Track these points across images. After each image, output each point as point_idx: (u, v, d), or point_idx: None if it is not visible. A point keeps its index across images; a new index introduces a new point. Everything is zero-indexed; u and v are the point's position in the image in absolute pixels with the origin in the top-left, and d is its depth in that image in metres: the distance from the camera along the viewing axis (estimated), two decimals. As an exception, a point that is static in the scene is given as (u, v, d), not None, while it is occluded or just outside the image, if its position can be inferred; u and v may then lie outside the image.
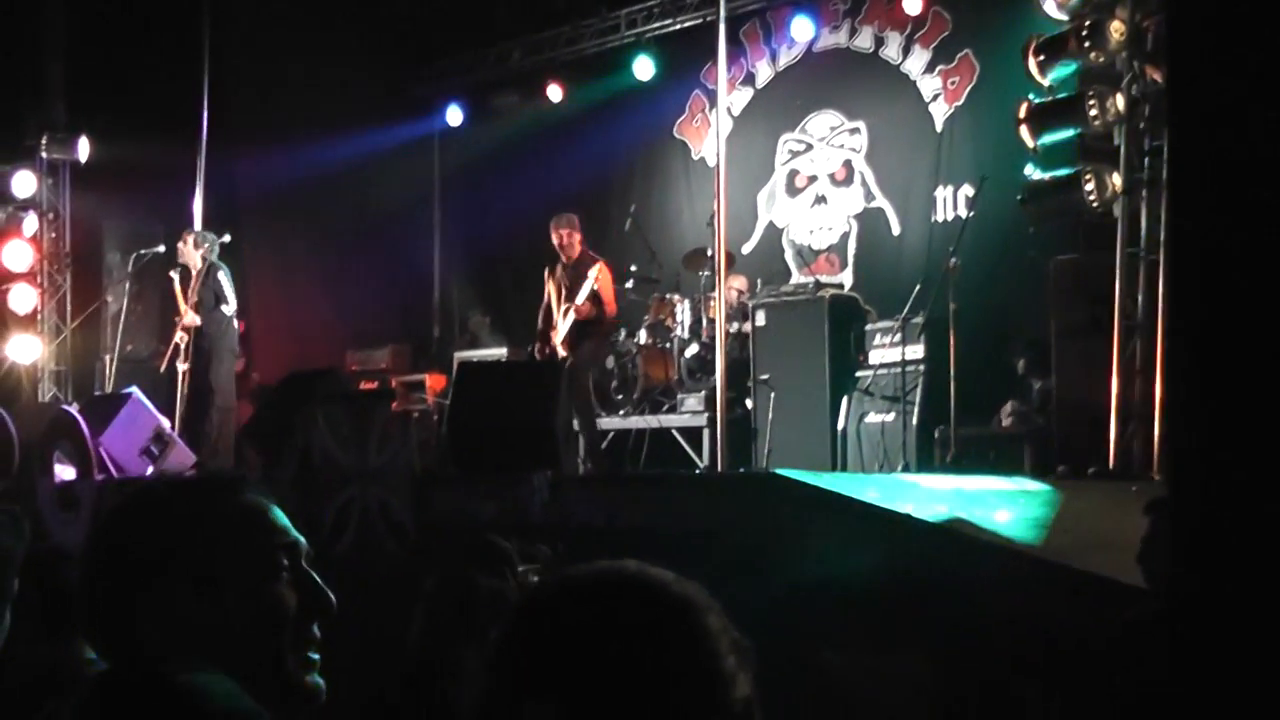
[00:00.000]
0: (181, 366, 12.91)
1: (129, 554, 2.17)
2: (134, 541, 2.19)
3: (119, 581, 2.16)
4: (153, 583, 2.14)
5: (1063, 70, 10.04)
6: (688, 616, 1.67)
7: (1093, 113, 9.62)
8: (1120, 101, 9.60)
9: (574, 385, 11.79)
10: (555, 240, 12.60)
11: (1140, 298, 9.38)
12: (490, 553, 2.71)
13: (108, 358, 14.73)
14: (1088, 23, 9.66)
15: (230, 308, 13.13)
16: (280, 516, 2.28)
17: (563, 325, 12.43)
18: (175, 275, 13.22)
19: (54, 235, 15.60)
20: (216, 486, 2.34)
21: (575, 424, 11.97)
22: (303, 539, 2.28)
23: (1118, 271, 9.34)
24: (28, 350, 15.15)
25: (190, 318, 12.88)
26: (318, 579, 2.25)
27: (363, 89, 17.37)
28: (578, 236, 12.49)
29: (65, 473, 10.57)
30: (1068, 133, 9.98)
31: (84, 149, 15.30)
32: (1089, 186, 9.63)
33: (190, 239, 13.16)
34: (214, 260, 13.14)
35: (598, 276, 12.35)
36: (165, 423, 11.86)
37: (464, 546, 2.73)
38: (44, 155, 15.38)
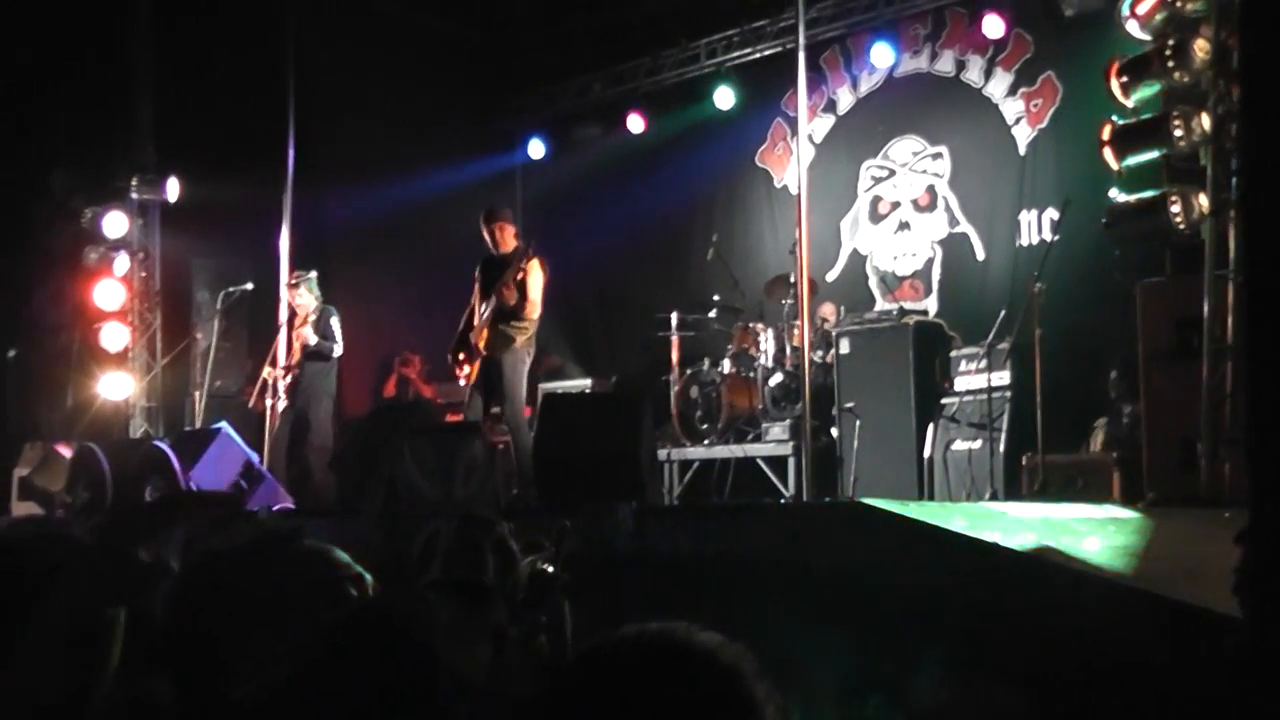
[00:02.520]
0: (271, 403, 13.04)
1: (205, 615, 2.35)
2: (209, 602, 2.36)
3: (203, 636, 2.33)
4: (233, 629, 2.29)
5: (1146, 91, 9.92)
6: (734, 685, 1.67)
7: (1178, 133, 9.50)
8: (1206, 121, 9.47)
9: (506, 388, 11.56)
10: (488, 235, 11.96)
11: (1230, 320, 9.24)
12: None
13: (197, 394, 14.88)
14: (1171, 42, 9.55)
15: (338, 350, 13.27)
16: (340, 555, 2.45)
17: (483, 318, 11.81)
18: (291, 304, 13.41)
19: (144, 274, 15.80)
20: (277, 540, 2.50)
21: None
22: (367, 574, 2.44)
23: (1205, 294, 9.20)
24: (119, 387, 15.33)
25: (309, 334, 13.03)
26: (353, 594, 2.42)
27: (446, 123, 17.50)
28: (510, 230, 11.97)
29: (156, 508, 10.66)
30: (1152, 154, 9.86)
31: (173, 189, 15.50)
32: (1175, 208, 9.51)
33: (304, 286, 13.30)
34: (325, 303, 13.33)
35: (526, 265, 11.72)
36: (255, 457, 11.96)
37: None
38: (134, 196, 15.60)
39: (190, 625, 2.32)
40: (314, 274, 13.58)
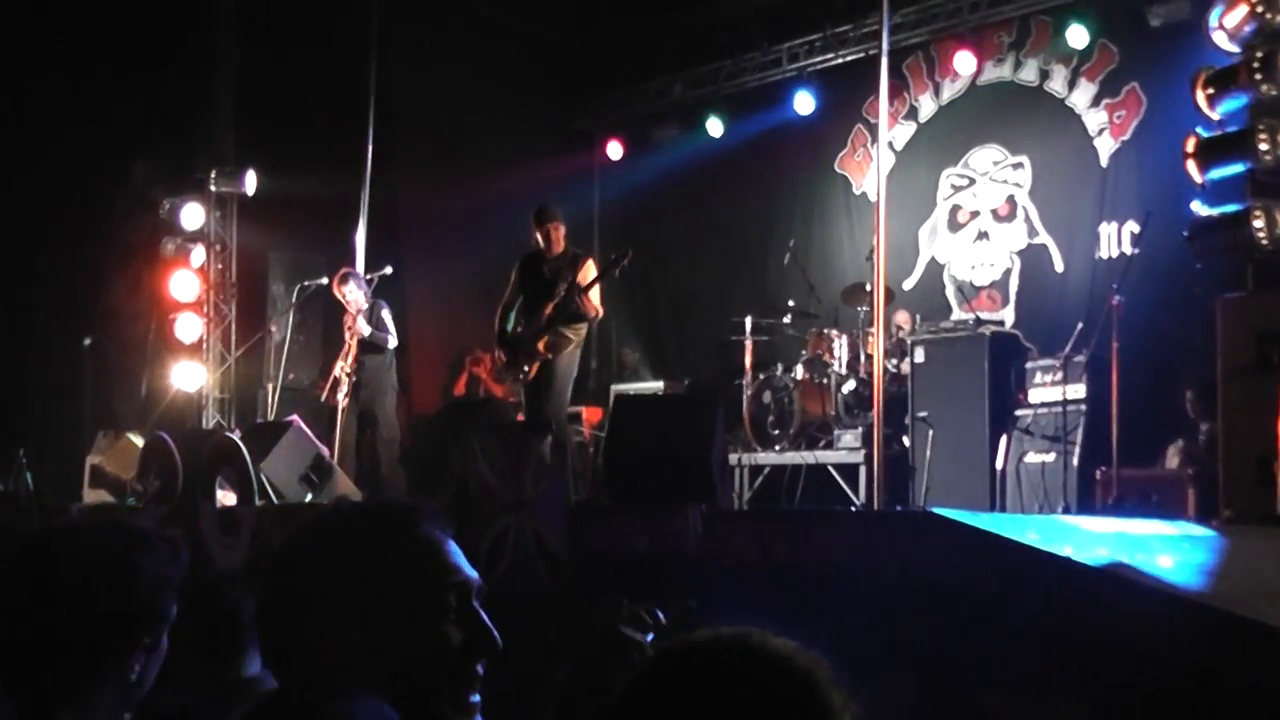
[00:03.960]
0: (342, 398, 13.07)
1: (297, 583, 2.19)
2: (304, 570, 2.20)
3: (287, 608, 2.19)
4: (318, 612, 2.15)
5: (1233, 103, 9.80)
6: (810, 691, 1.65)
7: (1263, 147, 9.37)
8: (1293, 136, 9.35)
9: (555, 386, 11.52)
10: (541, 235, 11.77)
11: (1312, 338, 9.11)
12: (621, 644, 2.64)
13: (270, 386, 14.96)
14: (1259, 54, 9.43)
15: (393, 342, 13.30)
16: (454, 553, 2.26)
17: (543, 321, 11.58)
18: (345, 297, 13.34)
19: (220, 266, 15.90)
20: (392, 517, 2.29)
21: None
22: (476, 575, 2.25)
23: (1288, 311, 9.08)
24: (193, 378, 15.45)
25: (362, 325, 13.03)
26: (485, 619, 2.23)
27: (524, 122, 17.55)
28: (563, 230, 11.79)
29: (227, 498, 10.72)
30: (1237, 167, 9.73)
31: (251, 182, 15.57)
32: (1258, 223, 9.38)
33: (352, 281, 13.27)
34: (376, 298, 13.34)
35: (585, 268, 11.58)
36: (325, 451, 12.00)
37: (598, 636, 2.66)
38: (213, 188, 15.67)
39: (274, 608, 2.22)
40: (388, 269, 13.64)
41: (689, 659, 1.68)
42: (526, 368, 11.65)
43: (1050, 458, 11.24)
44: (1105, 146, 14.00)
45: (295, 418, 12.27)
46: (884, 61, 10.42)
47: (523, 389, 12.00)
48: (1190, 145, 9.94)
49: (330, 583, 2.16)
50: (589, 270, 11.60)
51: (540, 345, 11.49)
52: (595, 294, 11.57)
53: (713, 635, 1.69)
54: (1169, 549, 6.94)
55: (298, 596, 2.18)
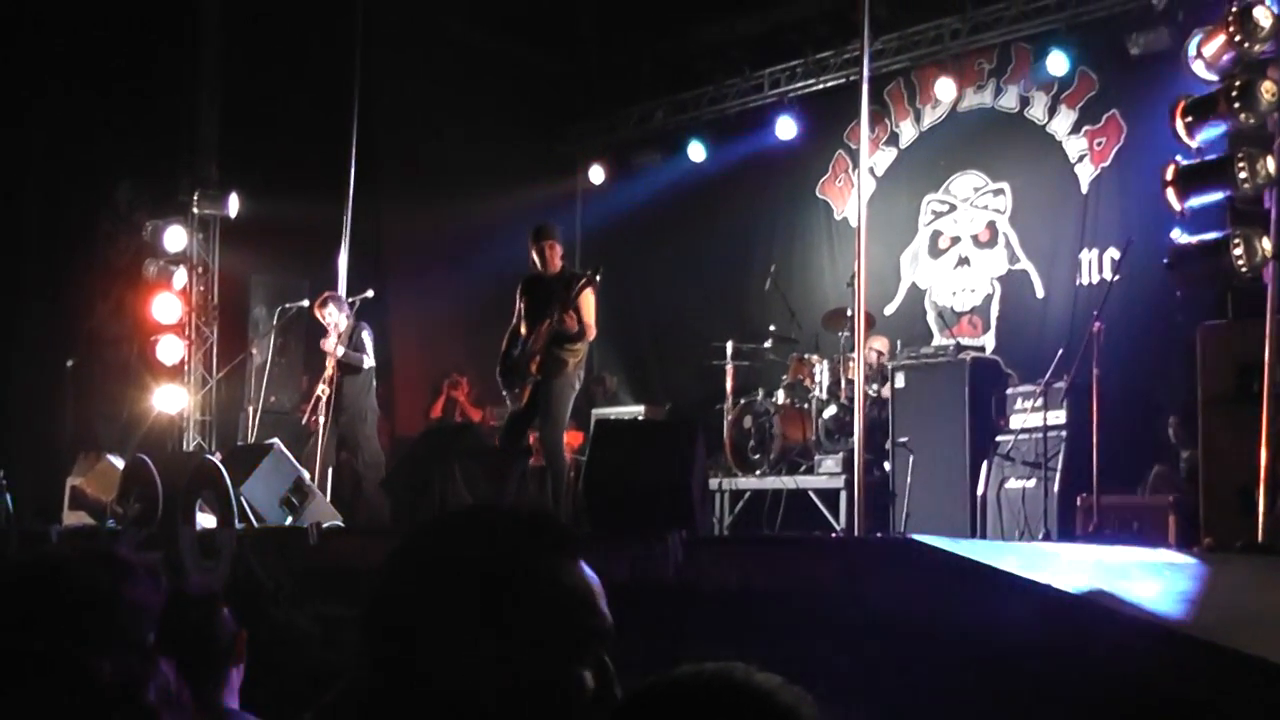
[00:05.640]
0: (321, 420, 13.05)
1: (423, 580, 1.90)
2: (430, 570, 1.91)
3: (409, 601, 1.90)
4: (445, 610, 1.84)
5: (1212, 131, 9.80)
6: None
7: (1242, 175, 9.38)
8: (1271, 164, 9.34)
9: (552, 411, 11.30)
10: (537, 254, 11.60)
11: (1292, 365, 9.10)
12: None
13: (251, 409, 14.93)
14: (1238, 83, 9.44)
15: (369, 362, 13.28)
16: (600, 597, 1.92)
17: (537, 342, 11.37)
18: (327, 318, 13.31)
19: (202, 289, 15.89)
20: (536, 532, 1.93)
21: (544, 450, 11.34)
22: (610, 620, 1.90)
23: (1267, 338, 9.08)
24: (174, 400, 15.41)
25: (335, 344, 13.01)
26: (612, 669, 1.91)
27: (506, 147, 17.57)
28: (559, 249, 11.65)
29: (206, 521, 10.69)
30: (1216, 195, 9.73)
31: (234, 205, 15.58)
32: (1238, 251, 9.38)
33: (333, 304, 13.26)
34: (358, 320, 13.33)
35: (585, 288, 11.36)
36: (305, 474, 11.98)
37: None
38: (195, 211, 15.69)
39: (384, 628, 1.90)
40: (369, 293, 13.64)
41: (672, 694, 1.65)
42: (518, 390, 11.56)
43: (1031, 484, 11.25)
44: (1085, 173, 14.04)
45: (276, 440, 12.26)
46: (865, 88, 10.42)
47: (509, 413, 11.88)
48: (1170, 173, 9.95)
49: (460, 585, 1.85)
50: (585, 289, 11.42)
51: (533, 367, 11.40)
52: (589, 312, 11.41)
53: (696, 670, 1.66)
54: (1150, 577, 6.94)
55: (420, 594, 1.89)
